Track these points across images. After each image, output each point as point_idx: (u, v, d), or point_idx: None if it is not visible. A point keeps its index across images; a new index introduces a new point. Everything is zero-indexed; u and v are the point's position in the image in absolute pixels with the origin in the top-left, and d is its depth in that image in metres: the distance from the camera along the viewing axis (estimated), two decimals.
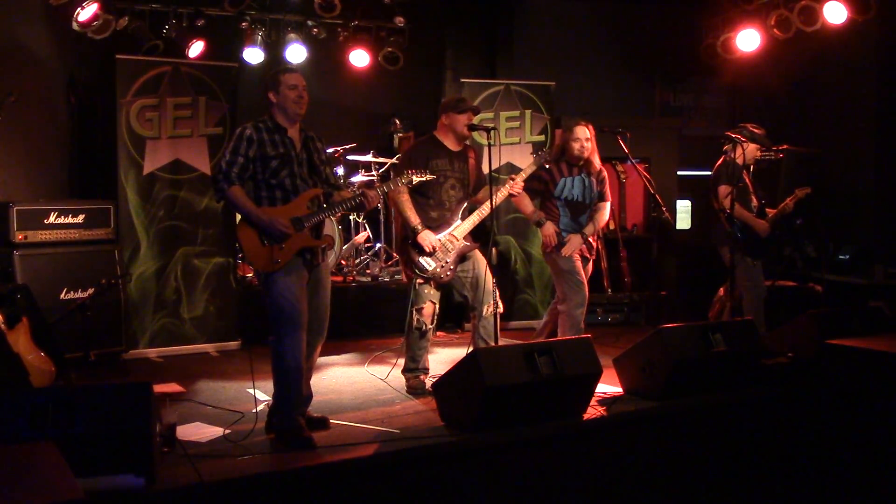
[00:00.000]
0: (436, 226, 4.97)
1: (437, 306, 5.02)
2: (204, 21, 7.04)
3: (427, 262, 4.89)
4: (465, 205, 5.05)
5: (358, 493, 3.75)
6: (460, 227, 4.97)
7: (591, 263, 5.54)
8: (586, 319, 7.17)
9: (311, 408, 4.30)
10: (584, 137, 5.32)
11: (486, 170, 4.89)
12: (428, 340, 5.06)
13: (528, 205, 5.41)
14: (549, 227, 5.32)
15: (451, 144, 5.04)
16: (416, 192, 4.96)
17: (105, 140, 6.58)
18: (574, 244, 5.32)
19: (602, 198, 5.50)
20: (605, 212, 5.52)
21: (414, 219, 4.89)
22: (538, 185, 5.35)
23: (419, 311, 4.95)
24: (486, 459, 4.03)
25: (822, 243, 7.54)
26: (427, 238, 4.86)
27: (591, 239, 5.47)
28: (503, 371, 4.02)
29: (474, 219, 4.98)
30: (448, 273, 4.94)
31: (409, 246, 4.94)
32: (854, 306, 5.99)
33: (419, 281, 4.94)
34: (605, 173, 5.53)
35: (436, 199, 4.98)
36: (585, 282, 5.35)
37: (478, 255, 5.06)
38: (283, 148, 4.06)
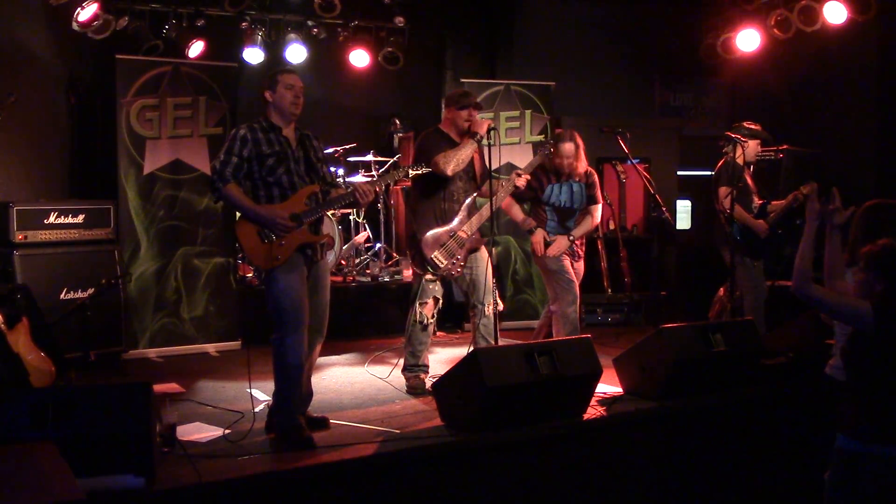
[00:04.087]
0: (447, 219, 4.97)
1: (441, 302, 5.04)
2: (204, 21, 7.04)
3: (439, 259, 4.89)
4: (473, 197, 5.05)
5: (358, 493, 3.75)
6: (470, 223, 4.97)
7: (580, 266, 5.54)
8: (586, 319, 7.26)
9: (311, 408, 4.30)
10: (568, 155, 5.36)
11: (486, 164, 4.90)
12: (429, 335, 5.06)
13: (518, 212, 5.49)
14: (539, 235, 5.37)
15: (455, 137, 5.05)
16: (427, 185, 4.96)
17: (105, 140, 6.58)
18: (560, 245, 5.35)
19: (592, 201, 5.52)
20: (596, 215, 5.54)
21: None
22: (527, 191, 5.37)
23: (423, 305, 4.95)
24: (486, 459, 4.03)
25: (821, 243, 7.53)
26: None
27: (577, 242, 5.48)
28: (503, 371, 4.02)
29: (484, 214, 4.98)
30: (459, 269, 4.94)
31: (420, 243, 4.93)
32: None
33: (428, 277, 4.94)
34: (594, 177, 5.55)
35: (446, 191, 4.98)
36: (575, 280, 5.39)
37: (483, 252, 5.07)
38: (278, 146, 4.06)
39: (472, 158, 5.07)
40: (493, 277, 4.99)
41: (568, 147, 5.36)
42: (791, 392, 4.90)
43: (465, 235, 4.94)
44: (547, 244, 5.36)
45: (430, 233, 4.91)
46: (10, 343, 4.48)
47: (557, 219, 5.45)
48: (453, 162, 4.85)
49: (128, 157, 6.19)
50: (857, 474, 3.07)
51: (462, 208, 4.99)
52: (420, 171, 4.61)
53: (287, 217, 3.96)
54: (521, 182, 5.09)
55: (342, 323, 6.46)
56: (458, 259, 4.92)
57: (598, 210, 5.54)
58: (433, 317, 5.01)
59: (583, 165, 5.47)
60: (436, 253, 4.89)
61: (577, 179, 5.45)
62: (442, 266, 4.89)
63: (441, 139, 5.01)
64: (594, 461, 4.32)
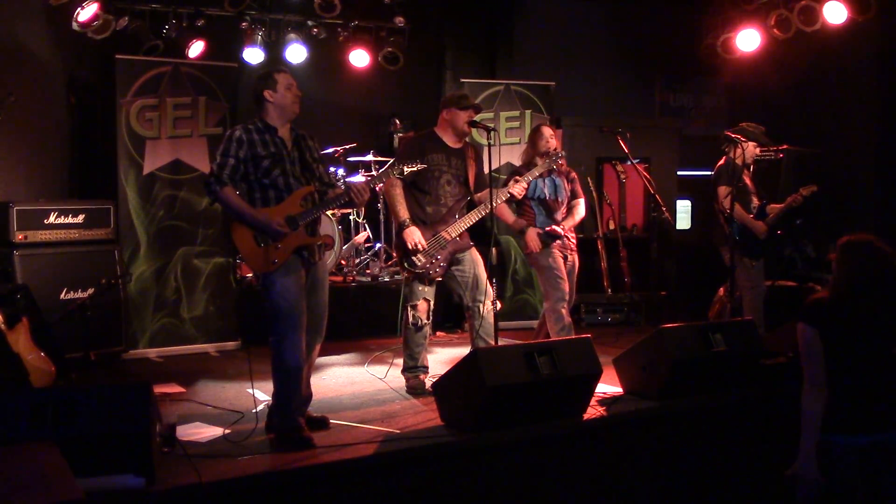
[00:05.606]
0: (431, 221, 4.96)
1: (432, 303, 5.02)
2: (204, 21, 7.04)
3: (417, 258, 4.88)
4: (465, 203, 5.04)
5: (358, 493, 3.75)
6: (455, 225, 4.95)
7: (575, 258, 5.57)
8: (586, 319, 7.27)
9: (311, 408, 4.30)
10: (549, 135, 5.47)
11: (485, 170, 4.89)
12: (425, 337, 5.04)
13: (509, 214, 5.48)
14: (532, 233, 5.39)
15: (449, 141, 5.03)
16: (414, 186, 4.96)
17: (105, 140, 6.58)
18: (554, 230, 5.40)
19: (575, 195, 5.61)
20: (581, 208, 5.62)
21: (403, 214, 4.88)
22: None
23: (413, 307, 4.94)
24: (486, 459, 4.03)
25: (822, 243, 7.54)
26: (412, 235, 4.84)
27: (569, 235, 5.51)
28: (503, 371, 4.02)
29: (471, 217, 4.98)
30: (438, 270, 4.92)
31: (401, 241, 4.93)
32: None
33: (408, 276, 4.94)
34: (574, 174, 5.67)
35: (432, 194, 4.97)
36: (566, 278, 5.41)
37: (474, 254, 5.05)
38: (273, 147, 4.05)
39: (466, 164, 5.07)
40: (490, 278, 4.98)
41: (545, 128, 5.51)
42: (791, 392, 4.89)
43: (447, 237, 4.93)
44: (545, 243, 5.38)
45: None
46: (10, 343, 4.48)
47: (545, 212, 5.48)
48: (390, 201, 4.94)
49: (128, 157, 6.19)
50: (822, 463, 3.25)
51: (451, 212, 4.98)
52: (415, 168, 4.57)
53: (282, 221, 3.96)
54: (518, 190, 5.10)
55: (342, 323, 6.46)
56: (437, 259, 4.91)
57: (581, 204, 5.61)
58: (428, 318, 5.00)
59: (563, 163, 5.53)
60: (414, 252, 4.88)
61: (559, 175, 5.51)
62: (419, 265, 4.88)
63: (431, 142, 5.00)
64: (594, 461, 4.32)
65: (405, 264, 4.91)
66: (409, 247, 4.83)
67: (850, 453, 3.20)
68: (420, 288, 4.95)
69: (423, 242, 4.86)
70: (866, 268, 3.26)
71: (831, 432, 3.24)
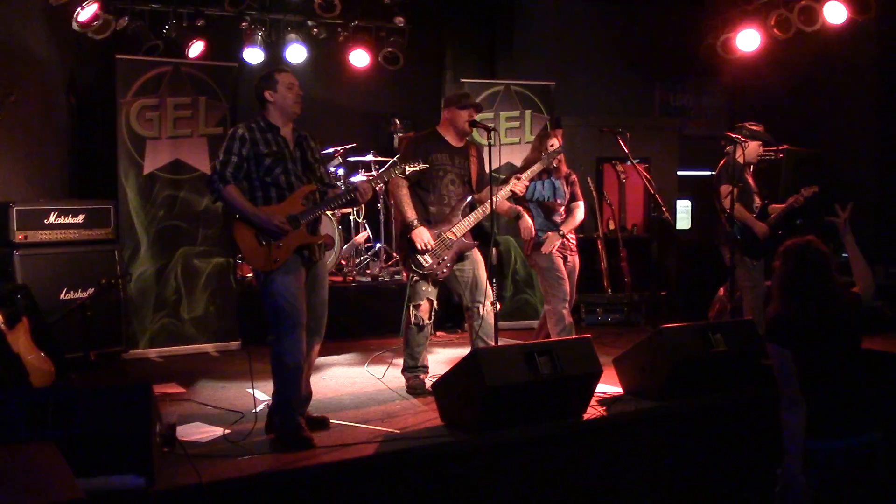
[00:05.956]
0: (435, 221, 4.96)
1: (435, 303, 5.02)
2: (204, 21, 7.04)
3: (424, 259, 4.88)
4: (468, 202, 5.05)
5: (358, 493, 3.75)
6: (460, 225, 4.96)
7: (576, 259, 5.59)
8: (586, 319, 7.27)
9: (311, 408, 4.30)
10: (556, 148, 5.44)
11: (486, 170, 4.90)
12: (426, 337, 5.04)
13: (504, 202, 5.45)
14: (527, 220, 5.38)
15: (452, 140, 5.04)
16: (417, 185, 4.96)
17: (105, 140, 6.59)
18: (552, 241, 5.40)
19: (575, 198, 5.62)
20: (580, 210, 5.62)
21: (410, 214, 4.88)
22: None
23: (416, 307, 4.94)
24: (486, 459, 4.03)
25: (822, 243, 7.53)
26: (421, 235, 4.84)
27: (569, 236, 5.53)
28: (503, 371, 4.02)
29: (474, 217, 4.98)
30: (444, 270, 4.92)
31: (406, 242, 4.94)
32: None
33: (415, 277, 4.94)
34: (574, 176, 5.68)
35: (435, 194, 4.98)
36: (566, 278, 5.43)
37: (476, 254, 5.06)
38: (275, 146, 4.06)
39: (469, 163, 5.07)
40: (490, 278, 4.97)
41: (553, 140, 5.49)
42: None
43: (453, 237, 4.93)
44: (539, 243, 5.39)
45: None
46: (10, 343, 4.48)
47: (544, 214, 5.49)
48: (398, 201, 4.93)
49: (128, 157, 6.19)
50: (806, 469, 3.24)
51: (454, 211, 4.98)
52: (417, 168, 4.57)
53: (284, 220, 3.96)
54: (520, 188, 5.10)
55: (342, 323, 6.46)
56: (444, 260, 4.91)
57: (580, 206, 5.63)
58: (429, 318, 4.99)
59: (564, 166, 5.57)
60: (421, 252, 4.87)
61: (558, 177, 5.52)
62: (427, 265, 4.88)
63: (434, 142, 5.00)
64: (594, 461, 4.32)
65: (412, 265, 4.90)
66: (419, 247, 4.83)
67: (833, 457, 3.20)
68: (424, 288, 4.95)
69: (433, 242, 4.87)
70: (799, 270, 3.28)
71: (812, 438, 3.23)
